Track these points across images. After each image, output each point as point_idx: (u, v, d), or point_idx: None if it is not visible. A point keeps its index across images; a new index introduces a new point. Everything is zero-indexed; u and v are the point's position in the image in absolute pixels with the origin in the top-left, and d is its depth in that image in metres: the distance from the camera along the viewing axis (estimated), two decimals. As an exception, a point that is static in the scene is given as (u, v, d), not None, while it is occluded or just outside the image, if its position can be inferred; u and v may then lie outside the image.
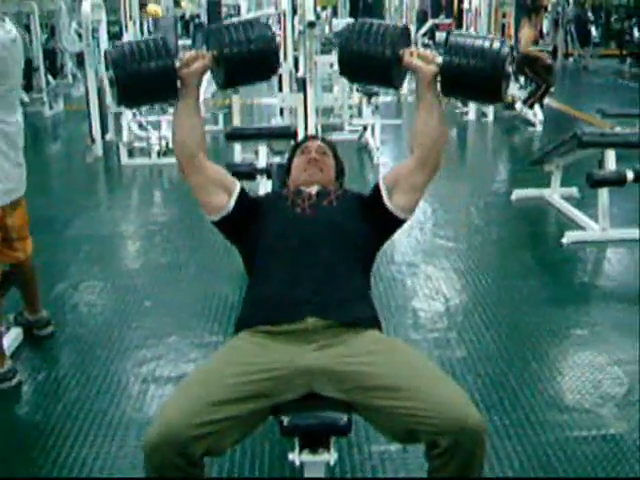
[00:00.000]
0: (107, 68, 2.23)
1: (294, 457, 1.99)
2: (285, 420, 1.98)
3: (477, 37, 2.22)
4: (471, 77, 2.14)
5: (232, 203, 2.32)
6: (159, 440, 1.83)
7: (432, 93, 2.24)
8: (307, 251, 2.22)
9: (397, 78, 2.30)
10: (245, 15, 9.90)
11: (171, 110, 8.20)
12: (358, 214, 2.36)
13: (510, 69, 2.15)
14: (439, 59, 2.19)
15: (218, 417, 1.89)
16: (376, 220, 2.35)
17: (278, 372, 2.00)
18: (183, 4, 15.00)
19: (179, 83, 2.25)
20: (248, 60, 2.28)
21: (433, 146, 2.28)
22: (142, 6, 10.48)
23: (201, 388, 1.96)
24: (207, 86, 8.52)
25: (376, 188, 2.36)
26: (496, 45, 2.14)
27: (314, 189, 2.42)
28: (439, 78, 2.21)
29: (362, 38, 2.24)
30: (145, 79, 2.19)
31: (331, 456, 1.99)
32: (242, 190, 2.37)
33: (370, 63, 2.25)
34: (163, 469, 1.85)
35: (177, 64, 2.23)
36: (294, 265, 2.20)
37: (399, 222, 2.37)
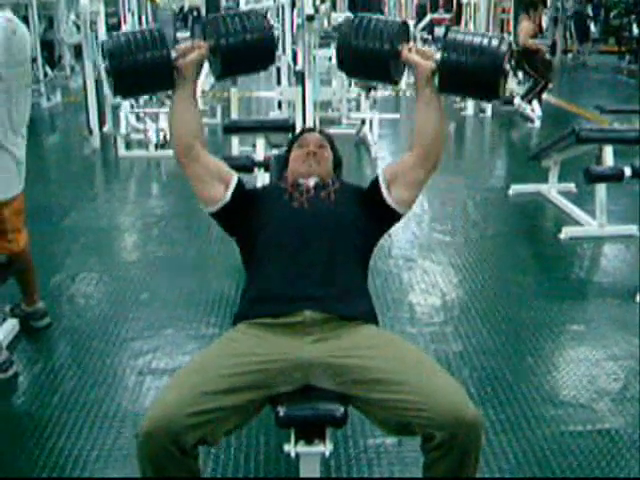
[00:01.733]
0: (103, 58, 2.22)
1: (290, 448, 2.00)
2: (281, 411, 1.98)
3: (475, 34, 2.22)
4: (469, 74, 2.13)
5: (229, 194, 2.32)
6: (153, 428, 1.83)
7: (430, 89, 2.23)
8: (305, 245, 2.22)
9: (395, 73, 2.30)
10: (244, 7, 9.87)
11: (169, 102, 8.22)
12: (356, 208, 2.36)
13: (508, 66, 2.14)
14: (437, 55, 2.18)
15: (212, 407, 1.90)
16: (374, 213, 2.35)
17: (274, 364, 2.01)
18: None
19: (176, 74, 2.24)
20: (244, 50, 2.28)
21: (433, 142, 2.28)
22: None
23: (196, 378, 1.97)
24: (205, 79, 8.53)
25: (375, 182, 2.35)
26: (494, 42, 2.13)
27: (312, 181, 2.42)
28: (437, 74, 2.20)
29: (360, 33, 2.23)
30: (141, 69, 2.19)
31: (326, 447, 2.00)
32: (239, 182, 2.36)
33: (368, 58, 2.24)
34: (156, 457, 1.85)
35: (173, 54, 2.22)
36: (292, 259, 2.20)
37: (397, 216, 2.36)
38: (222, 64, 2.30)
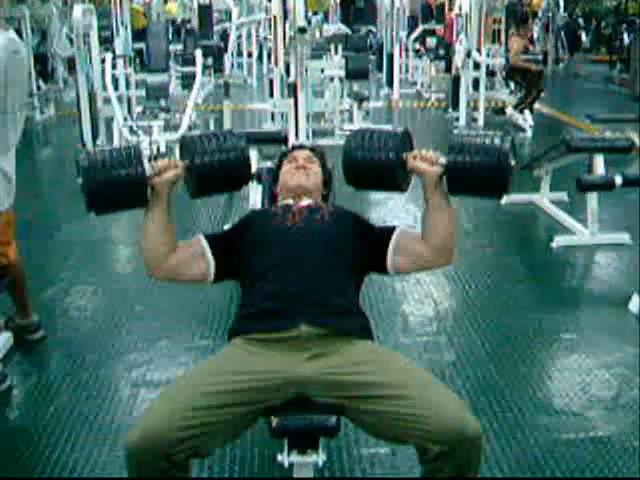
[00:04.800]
0: (77, 174, 2.20)
1: (283, 458, 2.01)
2: (274, 421, 1.99)
3: (478, 135, 2.24)
4: (476, 174, 2.17)
5: (210, 259, 2.29)
6: (141, 443, 1.83)
7: (440, 194, 2.24)
8: (299, 263, 2.21)
9: (403, 182, 2.33)
10: (236, 21, 9.91)
11: (163, 115, 8.24)
12: (352, 234, 2.35)
13: (513, 162, 2.17)
14: (443, 159, 2.20)
15: (204, 421, 1.90)
16: (367, 254, 2.33)
17: (270, 382, 2.01)
18: (168, 7, 14.95)
19: (150, 191, 2.22)
20: (219, 170, 2.27)
21: (444, 246, 2.28)
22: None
23: (188, 392, 1.97)
24: (197, 93, 8.54)
25: (388, 235, 2.32)
26: (497, 141, 2.17)
27: (304, 204, 2.41)
28: (445, 178, 2.22)
29: (365, 147, 2.28)
30: (115, 187, 2.18)
31: (320, 457, 2.01)
32: (207, 238, 2.33)
33: (375, 170, 2.29)
34: (146, 471, 1.86)
35: (149, 172, 2.20)
36: (287, 277, 2.19)
37: (382, 272, 2.36)
38: (197, 183, 2.29)
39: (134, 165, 2.17)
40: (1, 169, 3.19)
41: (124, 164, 2.17)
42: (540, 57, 10.14)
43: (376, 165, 2.27)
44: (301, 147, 2.75)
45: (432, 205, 2.26)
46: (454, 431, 1.84)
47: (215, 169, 2.26)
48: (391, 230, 2.34)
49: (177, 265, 2.28)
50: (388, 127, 2.41)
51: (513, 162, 2.16)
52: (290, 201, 2.44)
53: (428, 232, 2.28)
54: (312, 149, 2.69)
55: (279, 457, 2.02)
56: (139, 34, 10.46)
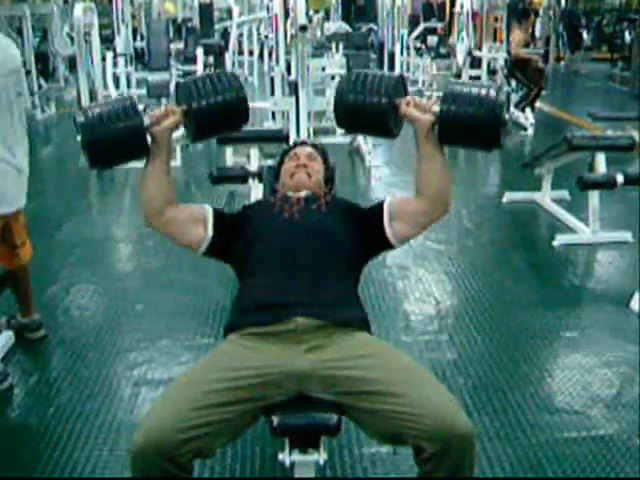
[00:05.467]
0: (76, 132, 2.21)
1: (284, 457, 2.00)
2: (275, 420, 1.98)
3: (473, 85, 2.22)
4: (469, 125, 2.14)
5: (210, 230, 2.31)
6: (146, 445, 1.83)
7: (432, 143, 2.22)
8: (296, 255, 2.21)
9: (394, 128, 2.31)
10: (237, 20, 9.91)
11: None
12: (348, 223, 2.35)
13: (507, 116, 2.15)
14: (436, 108, 2.18)
15: (205, 421, 1.90)
16: (367, 236, 2.33)
17: (267, 377, 2.00)
18: (166, 5, 14.95)
19: (150, 141, 2.24)
20: (217, 112, 2.27)
21: (439, 194, 2.26)
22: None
23: (188, 392, 1.96)
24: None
25: (379, 208, 2.33)
26: (492, 92, 2.14)
27: (302, 194, 2.42)
28: (437, 126, 2.20)
29: (357, 89, 2.24)
30: (114, 140, 2.18)
31: (321, 456, 2.00)
32: (215, 212, 2.35)
33: (366, 114, 2.25)
34: (150, 473, 1.85)
35: (147, 122, 2.21)
36: (283, 269, 2.20)
37: (388, 246, 2.35)
38: (196, 127, 2.30)
39: (131, 116, 2.19)
40: (15, 165, 3.17)
41: (121, 117, 2.18)
42: (542, 51, 10.13)
43: (368, 109, 2.23)
44: (303, 144, 2.74)
45: (424, 154, 2.25)
46: (444, 427, 1.84)
47: (213, 111, 2.26)
48: (381, 203, 2.35)
49: (175, 219, 2.30)
50: (383, 71, 2.38)
51: (507, 115, 2.14)
52: (289, 192, 2.45)
53: (422, 183, 2.27)
54: (314, 146, 2.69)
55: (280, 456, 2.01)
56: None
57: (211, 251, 2.34)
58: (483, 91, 2.15)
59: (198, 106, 2.25)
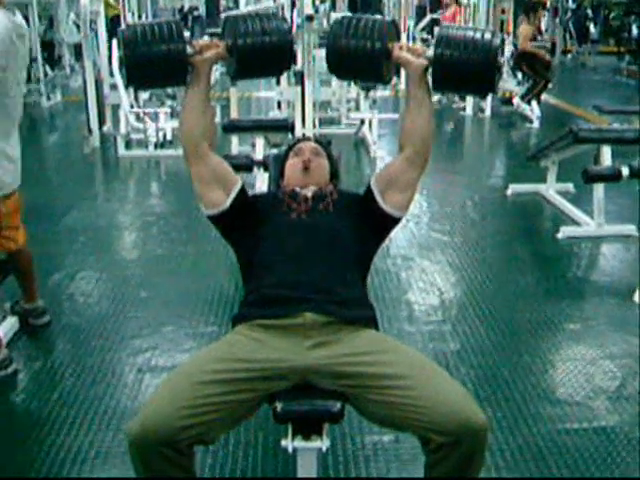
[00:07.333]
0: (119, 47, 2.20)
1: (287, 443, 2.01)
2: (278, 406, 1.99)
3: (467, 28, 2.19)
4: (462, 69, 2.10)
5: (229, 202, 2.29)
6: (142, 433, 1.83)
7: (423, 89, 2.21)
8: (304, 257, 2.20)
9: (387, 73, 2.27)
10: (243, 8, 9.89)
11: (169, 102, 8.24)
12: (355, 217, 2.34)
13: (502, 60, 2.11)
14: (429, 52, 2.16)
15: (207, 409, 1.89)
16: (373, 222, 2.33)
17: (273, 371, 2.00)
18: None
19: (190, 70, 2.22)
20: (262, 52, 2.24)
21: (423, 144, 2.26)
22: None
23: (189, 380, 1.95)
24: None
25: (368, 192, 2.33)
26: (487, 36, 2.11)
27: (309, 191, 2.40)
28: (430, 72, 2.17)
29: (350, 33, 2.20)
30: (155, 61, 2.16)
31: (324, 442, 2.01)
32: (241, 190, 2.33)
33: (359, 58, 2.21)
34: (149, 459, 1.86)
35: (190, 50, 2.19)
36: (292, 269, 2.18)
37: (395, 221, 2.35)
38: (238, 65, 2.27)
39: (175, 41, 2.16)
40: (3, 152, 3.18)
41: (165, 39, 2.15)
42: (549, 45, 10.12)
43: (361, 53, 2.20)
44: (307, 139, 2.73)
45: (414, 99, 2.23)
46: (460, 423, 1.83)
47: (257, 51, 2.23)
48: (368, 186, 2.34)
49: (210, 164, 2.27)
50: (376, 16, 2.35)
51: (501, 60, 2.11)
52: (297, 188, 2.44)
53: (408, 130, 2.27)
54: (318, 141, 2.67)
55: (283, 442, 2.02)
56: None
57: (218, 220, 2.32)
58: (478, 34, 2.12)
59: (243, 43, 2.22)
